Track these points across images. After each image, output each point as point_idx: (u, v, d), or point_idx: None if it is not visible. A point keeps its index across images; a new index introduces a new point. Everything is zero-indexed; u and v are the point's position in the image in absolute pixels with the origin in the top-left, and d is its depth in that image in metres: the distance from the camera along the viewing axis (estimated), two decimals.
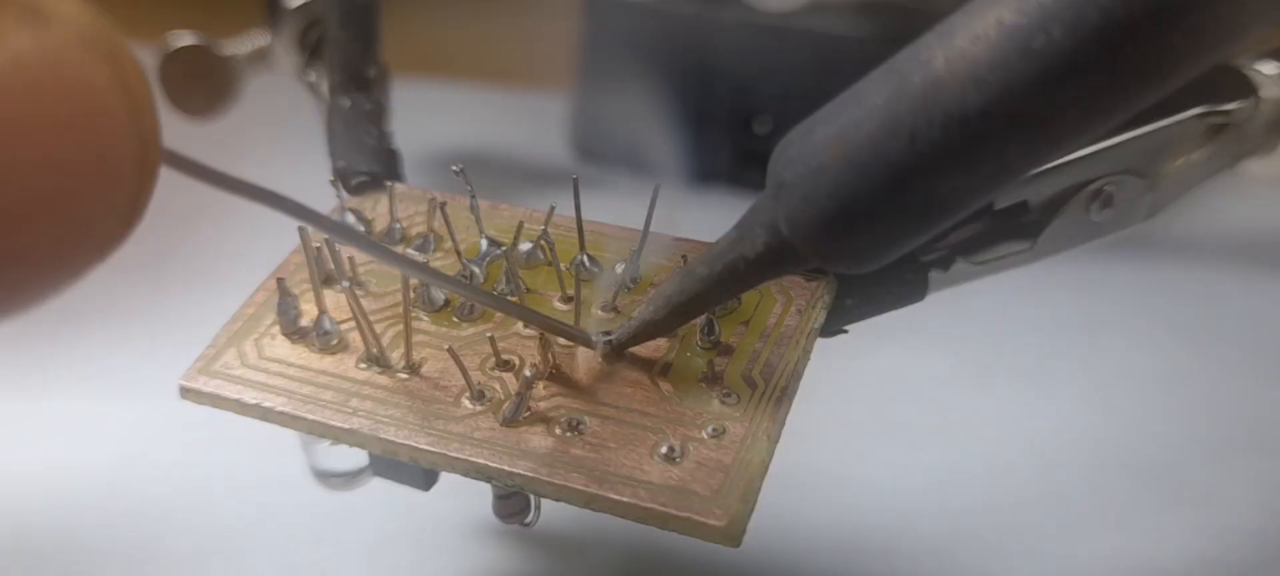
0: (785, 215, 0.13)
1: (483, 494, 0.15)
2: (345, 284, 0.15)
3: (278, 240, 0.17)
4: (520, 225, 0.16)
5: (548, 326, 0.15)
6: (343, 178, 0.18)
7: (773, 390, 0.14)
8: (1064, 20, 0.11)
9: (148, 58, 0.30)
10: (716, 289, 0.14)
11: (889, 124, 0.12)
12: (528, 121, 0.38)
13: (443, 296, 0.16)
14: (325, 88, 0.22)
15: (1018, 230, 0.17)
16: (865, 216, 0.12)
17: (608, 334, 0.15)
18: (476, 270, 0.16)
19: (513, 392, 0.14)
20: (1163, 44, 0.11)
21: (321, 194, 0.17)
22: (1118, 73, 0.11)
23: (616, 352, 0.15)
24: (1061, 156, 0.12)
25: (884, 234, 0.13)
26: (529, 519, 0.15)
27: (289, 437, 0.16)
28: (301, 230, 0.16)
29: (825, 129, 0.13)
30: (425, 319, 0.16)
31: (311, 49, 0.27)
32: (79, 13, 0.09)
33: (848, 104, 0.12)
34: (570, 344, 0.15)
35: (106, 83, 0.10)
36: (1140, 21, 0.10)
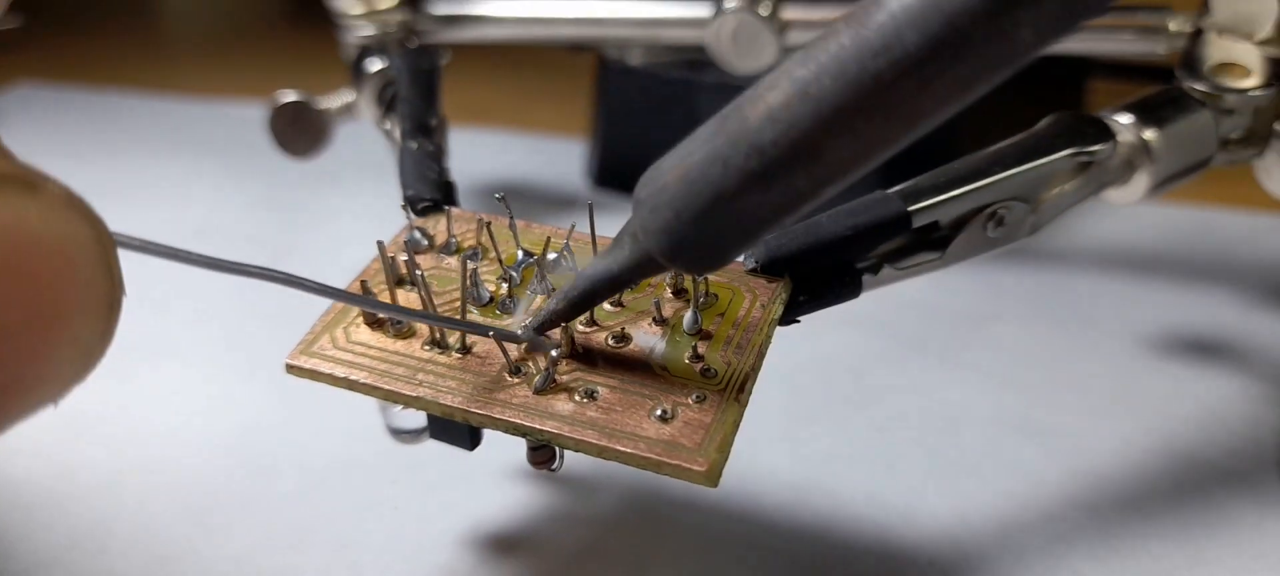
0: (639, 225, 0.13)
1: (518, 446, 0.15)
2: (420, 273, 0.15)
3: (360, 252, 0.17)
4: (548, 239, 0.16)
5: (472, 330, 0.15)
6: (411, 203, 0.18)
7: (743, 366, 0.14)
8: (832, 72, 0.11)
9: (260, 111, 0.30)
10: (600, 288, 0.14)
11: (712, 153, 0.12)
12: (555, 160, 0.38)
13: (489, 293, 0.16)
14: (397, 133, 0.22)
15: (931, 243, 0.17)
16: (694, 225, 0.12)
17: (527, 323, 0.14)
18: (515, 274, 0.16)
19: (542, 368, 0.14)
20: (911, 99, 0.10)
21: (394, 215, 0.17)
22: (875, 119, 0.11)
23: (537, 334, 0.14)
24: (843, 184, 0.11)
25: (710, 239, 0.12)
26: (555, 466, 0.15)
27: (369, 403, 0.16)
28: (379, 243, 0.16)
29: (671, 159, 0.12)
30: (475, 311, 0.16)
31: (387, 104, 0.27)
32: (61, 185, 0.10)
33: (690, 140, 0.12)
34: (588, 330, 0.15)
35: (86, 235, 0.10)
36: (889, 82, 0.10)
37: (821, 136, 0.11)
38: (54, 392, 0.10)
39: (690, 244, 0.12)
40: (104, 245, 0.10)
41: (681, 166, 0.12)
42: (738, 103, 0.12)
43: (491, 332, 0.14)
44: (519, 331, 0.14)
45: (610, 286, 0.14)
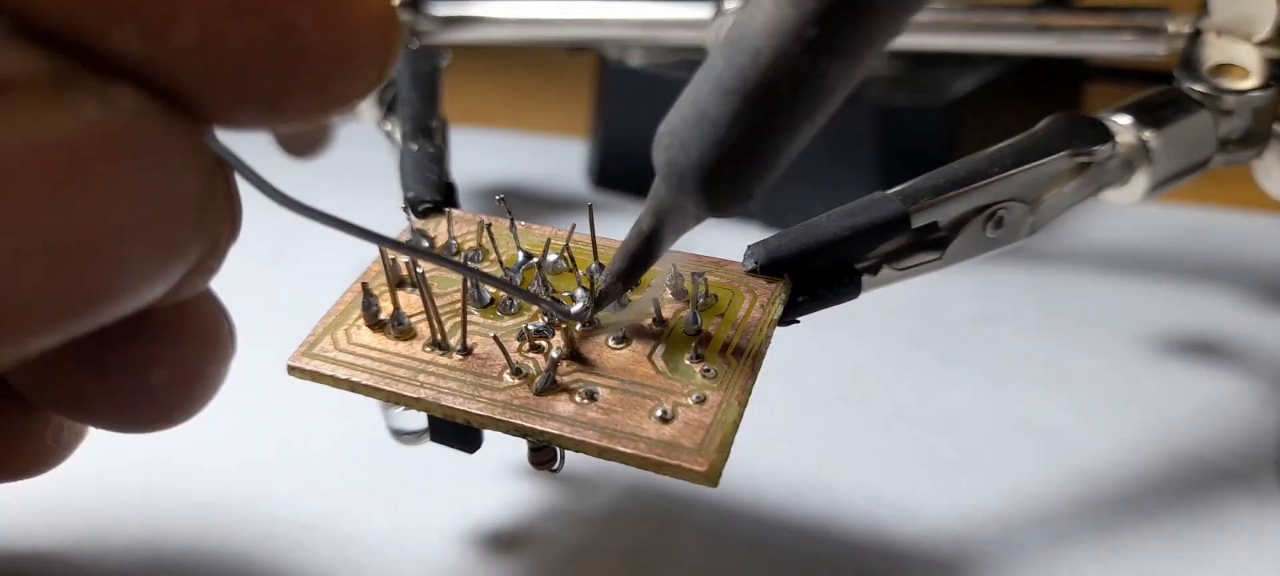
0: (665, 171, 0.13)
1: (518, 444, 0.15)
2: (421, 274, 0.15)
3: (361, 253, 0.17)
4: (548, 241, 0.16)
5: (534, 300, 0.15)
6: (412, 205, 0.18)
7: (742, 367, 0.14)
8: None
9: None
10: (640, 249, 0.14)
11: (714, 82, 0.12)
12: (555, 161, 0.38)
13: (489, 294, 0.16)
14: (398, 135, 0.22)
15: (930, 244, 0.17)
16: (719, 148, 0.12)
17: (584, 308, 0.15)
18: (515, 276, 0.16)
19: (543, 369, 0.14)
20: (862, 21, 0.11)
21: (395, 217, 0.17)
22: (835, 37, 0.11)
23: (595, 311, 0.15)
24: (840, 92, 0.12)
25: (743, 152, 0.12)
26: (556, 467, 0.15)
27: (370, 404, 0.16)
28: (381, 246, 0.16)
29: (679, 111, 0.13)
30: (476, 312, 0.16)
31: (387, 105, 0.27)
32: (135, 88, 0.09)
33: (689, 91, 0.13)
34: (588, 331, 0.15)
35: (167, 138, 0.10)
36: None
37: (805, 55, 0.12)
38: (146, 287, 0.10)
39: (721, 169, 0.12)
40: (192, 145, 0.10)
41: (692, 108, 0.12)
42: (718, 53, 0.12)
43: (551, 315, 0.15)
44: (576, 312, 0.15)
45: (649, 244, 0.14)
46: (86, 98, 0.09)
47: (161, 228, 0.10)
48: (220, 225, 0.11)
